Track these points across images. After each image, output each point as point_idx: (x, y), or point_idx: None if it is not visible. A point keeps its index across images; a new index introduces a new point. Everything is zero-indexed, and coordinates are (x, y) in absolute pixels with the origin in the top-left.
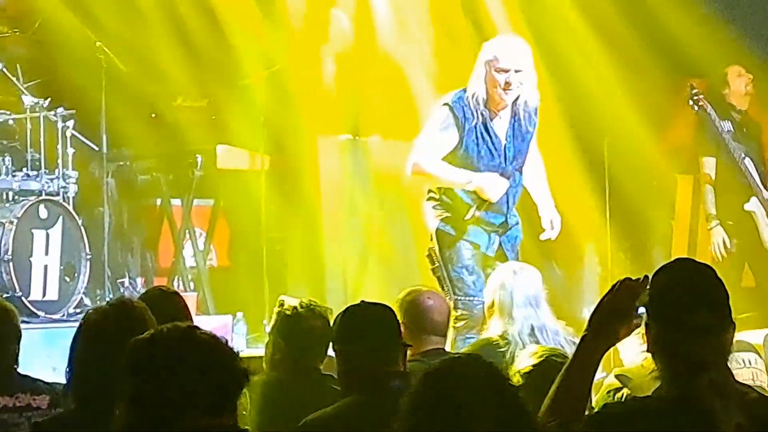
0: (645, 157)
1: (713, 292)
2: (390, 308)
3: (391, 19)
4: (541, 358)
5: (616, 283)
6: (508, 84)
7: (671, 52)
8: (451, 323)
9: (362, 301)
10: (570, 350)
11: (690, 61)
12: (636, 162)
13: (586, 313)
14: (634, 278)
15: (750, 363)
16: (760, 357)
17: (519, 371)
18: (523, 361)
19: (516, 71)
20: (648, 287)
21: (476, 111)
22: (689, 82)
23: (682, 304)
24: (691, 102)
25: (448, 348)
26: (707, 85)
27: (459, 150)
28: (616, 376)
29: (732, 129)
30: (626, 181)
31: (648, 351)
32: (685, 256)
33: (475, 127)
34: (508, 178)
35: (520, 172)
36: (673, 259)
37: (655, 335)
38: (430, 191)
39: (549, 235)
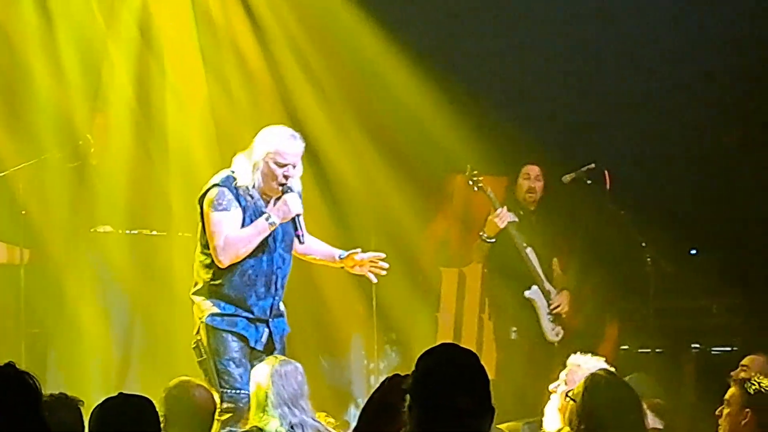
0: (410, 251)
1: (473, 377)
2: (149, 400)
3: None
4: None
5: (386, 379)
6: (286, 177)
7: (434, 150)
8: (216, 416)
9: (120, 393)
10: None
11: (450, 159)
12: (402, 255)
13: (353, 406)
14: (403, 374)
15: None
16: None
17: None
18: None
19: (294, 166)
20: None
21: (249, 196)
22: (468, 164)
23: (443, 388)
24: (470, 182)
25: None
26: (508, 181)
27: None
28: None
29: (516, 220)
30: (392, 274)
31: None
32: None
33: (249, 208)
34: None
35: (289, 253)
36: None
37: (416, 418)
38: (196, 283)
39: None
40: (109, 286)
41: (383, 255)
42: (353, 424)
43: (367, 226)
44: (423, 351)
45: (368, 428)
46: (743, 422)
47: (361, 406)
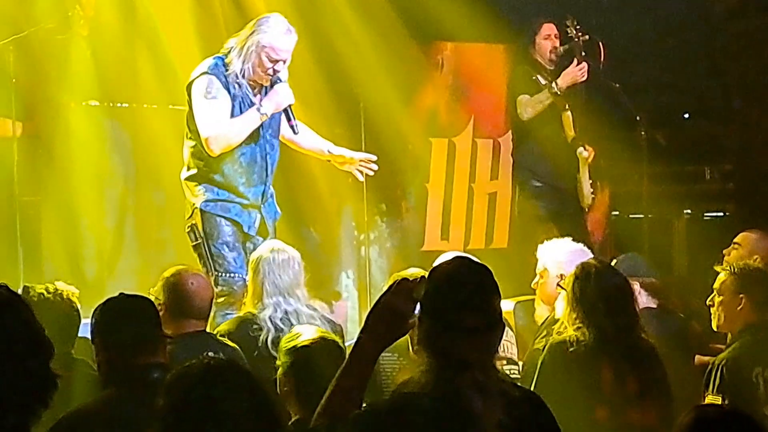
0: (399, 122)
1: (484, 295)
2: (149, 300)
3: None
4: (311, 340)
5: (393, 284)
6: (276, 72)
7: (420, 19)
8: None
9: (121, 294)
10: (329, 329)
11: (438, 28)
12: (391, 126)
13: (344, 277)
14: (411, 279)
15: None
16: (511, 329)
17: (286, 348)
18: (292, 339)
19: (284, 61)
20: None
21: (237, 85)
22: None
23: (453, 304)
24: (573, 33)
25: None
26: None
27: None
28: None
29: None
30: (382, 144)
31: (417, 344)
32: (440, 218)
33: (238, 96)
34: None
35: (276, 139)
36: (450, 253)
37: (425, 331)
38: (188, 167)
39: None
40: (101, 160)
41: (374, 157)
42: (344, 294)
43: (355, 98)
44: (412, 222)
45: (373, 332)
46: (739, 308)
47: (351, 276)
